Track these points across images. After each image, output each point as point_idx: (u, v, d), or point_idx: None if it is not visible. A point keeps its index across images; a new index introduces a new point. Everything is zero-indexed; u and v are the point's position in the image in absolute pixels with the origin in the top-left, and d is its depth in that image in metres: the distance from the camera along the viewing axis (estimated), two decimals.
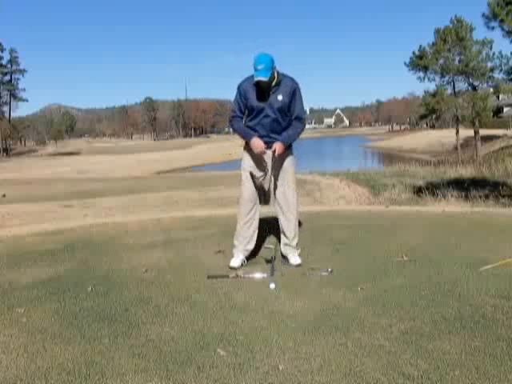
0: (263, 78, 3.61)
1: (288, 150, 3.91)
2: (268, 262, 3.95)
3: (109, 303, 3.24)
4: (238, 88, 3.84)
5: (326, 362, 2.36)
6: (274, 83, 3.73)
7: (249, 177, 3.88)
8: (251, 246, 4.03)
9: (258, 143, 3.77)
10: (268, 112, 3.78)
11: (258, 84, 3.70)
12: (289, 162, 3.94)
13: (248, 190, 3.91)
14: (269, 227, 4.06)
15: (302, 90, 3.87)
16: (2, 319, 3.02)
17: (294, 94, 3.80)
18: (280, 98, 3.75)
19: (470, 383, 2.15)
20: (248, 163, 3.93)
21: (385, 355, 2.40)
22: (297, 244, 4.06)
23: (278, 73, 3.75)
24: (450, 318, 2.81)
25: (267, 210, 4.12)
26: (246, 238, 3.98)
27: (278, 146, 3.76)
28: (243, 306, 3.13)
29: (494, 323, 2.73)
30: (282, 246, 4.11)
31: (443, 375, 2.21)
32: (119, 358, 2.46)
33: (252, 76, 3.72)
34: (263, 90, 3.74)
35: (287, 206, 3.96)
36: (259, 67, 3.60)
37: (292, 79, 3.84)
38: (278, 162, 3.87)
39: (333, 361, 2.37)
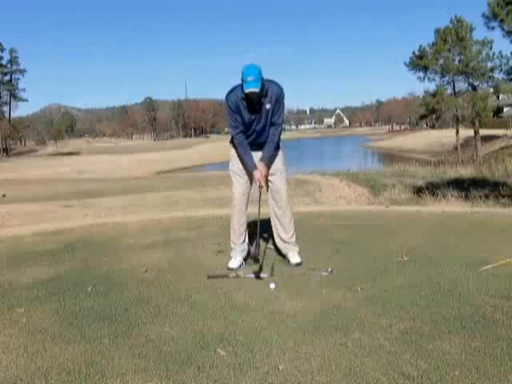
0: (255, 89, 3.57)
1: (275, 150, 3.94)
2: (256, 260, 3.92)
3: (109, 303, 3.24)
4: (228, 102, 3.77)
5: (326, 362, 2.36)
6: (263, 94, 3.68)
7: (238, 179, 3.97)
8: (246, 246, 4.08)
9: (258, 177, 3.81)
10: (258, 123, 3.81)
11: (247, 96, 3.64)
12: (278, 162, 3.97)
13: (239, 191, 3.97)
14: (265, 227, 4.07)
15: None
16: (2, 319, 3.02)
17: (278, 100, 3.77)
18: (268, 106, 3.75)
19: (470, 383, 2.15)
20: (236, 166, 3.98)
21: (385, 355, 2.40)
22: (295, 241, 4.08)
23: (264, 83, 3.68)
24: (450, 318, 2.81)
25: (266, 211, 4.11)
26: (241, 238, 4.02)
27: (264, 171, 3.82)
28: (243, 305, 3.13)
29: (493, 323, 2.72)
30: (280, 245, 4.12)
31: (443, 375, 2.21)
32: (119, 357, 2.47)
33: (237, 87, 3.70)
34: (253, 102, 3.70)
35: (280, 205, 3.99)
36: (249, 79, 3.56)
37: (278, 85, 3.80)
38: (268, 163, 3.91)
39: (333, 361, 2.37)
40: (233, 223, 4.05)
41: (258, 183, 3.86)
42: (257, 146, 3.89)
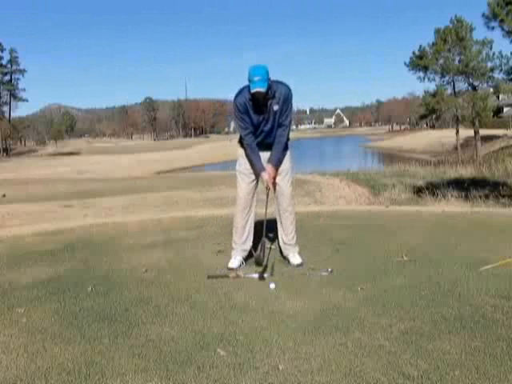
0: (261, 89, 3.56)
1: (283, 151, 3.92)
2: (258, 264, 3.89)
3: (109, 303, 3.24)
4: (236, 104, 3.78)
5: (326, 361, 2.36)
6: (270, 95, 3.67)
7: (244, 178, 3.95)
8: (248, 246, 4.06)
9: (266, 179, 3.82)
10: (266, 124, 3.81)
11: (253, 96, 3.64)
12: (285, 163, 3.96)
13: (244, 191, 3.96)
14: (268, 227, 4.06)
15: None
16: (2, 319, 3.02)
17: (286, 101, 3.75)
18: (276, 107, 3.74)
19: (470, 383, 2.15)
20: (243, 165, 3.97)
21: (385, 355, 2.40)
22: (295, 242, 4.07)
23: (272, 84, 3.68)
24: (450, 318, 2.81)
25: (270, 211, 4.11)
26: (243, 238, 4.00)
27: (272, 173, 3.82)
28: (243, 306, 3.13)
29: (493, 323, 2.73)
30: (281, 246, 4.12)
31: (443, 375, 2.21)
32: (119, 357, 2.47)
33: (244, 89, 3.70)
34: (259, 103, 3.69)
35: (283, 206, 3.98)
36: (256, 78, 3.55)
37: (286, 86, 3.79)
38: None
39: (333, 361, 2.37)
40: (235, 222, 4.04)
41: (265, 185, 3.86)
42: (265, 146, 3.88)
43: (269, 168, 3.83)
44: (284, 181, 3.95)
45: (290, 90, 3.78)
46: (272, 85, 3.67)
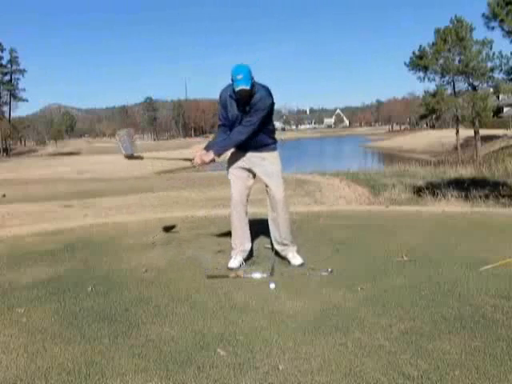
0: (245, 87, 3.58)
1: (270, 150, 3.93)
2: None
3: (109, 303, 3.24)
4: (219, 98, 3.87)
5: (326, 362, 2.36)
6: (253, 92, 3.68)
7: (235, 173, 3.97)
8: (247, 247, 4.06)
9: (196, 161, 3.92)
10: (241, 123, 3.79)
11: (238, 95, 3.65)
12: (273, 163, 3.94)
13: (237, 191, 3.97)
14: (268, 227, 4.06)
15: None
16: (2, 319, 3.02)
17: (262, 103, 3.70)
18: (247, 108, 3.74)
19: (470, 383, 2.15)
20: (232, 165, 4.00)
21: (385, 355, 2.40)
22: (292, 241, 4.06)
23: (255, 84, 3.69)
24: (450, 318, 2.81)
25: (265, 211, 4.11)
26: (241, 238, 4.00)
27: (206, 158, 3.86)
28: (243, 306, 3.13)
29: (494, 323, 2.73)
30: (278, 248, 4.10)
31: (443, 375, 2.21)
32: (119, 358, 2.47)
33: (229, 85, 3.72)
34: (242, 100, 3.71)
35: (276, 208, 3.95)
36: (239, 77, 3.57)
37: (266, 90, 3.76)
38: (263, 164, 3.91)
39: (333, 361, 2.37)
40: (232, 222, 4.03)
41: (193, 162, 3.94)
42: (243, 146, 3.88)
43: (204, 153, 3.87)
44: (275, 184, 3.91)
45: (268, 95, 3.76)
46: (255, 85, 3.69)
